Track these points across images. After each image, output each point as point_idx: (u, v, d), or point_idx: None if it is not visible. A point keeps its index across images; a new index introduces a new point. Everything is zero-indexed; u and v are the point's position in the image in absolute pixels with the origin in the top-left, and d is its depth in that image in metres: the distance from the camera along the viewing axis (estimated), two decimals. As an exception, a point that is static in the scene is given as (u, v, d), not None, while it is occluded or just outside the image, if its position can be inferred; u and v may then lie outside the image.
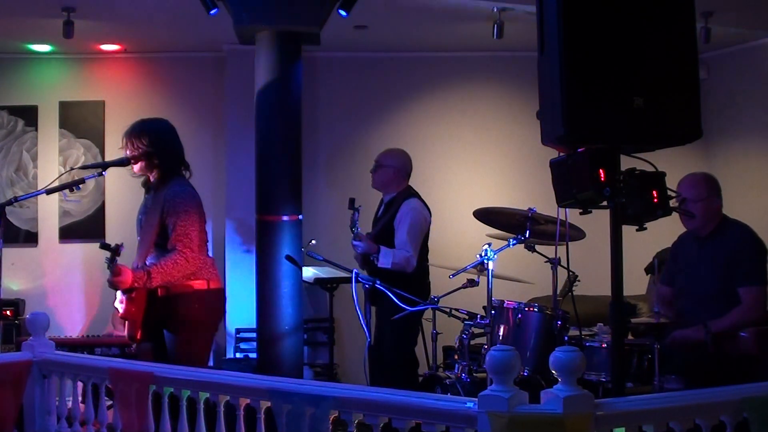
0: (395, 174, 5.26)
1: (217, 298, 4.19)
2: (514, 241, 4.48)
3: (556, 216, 3.91)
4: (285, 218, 5.16)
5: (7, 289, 6.22)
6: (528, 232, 4.45)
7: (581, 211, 3.11)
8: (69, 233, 6.78)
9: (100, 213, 6.79)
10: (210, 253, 4.28)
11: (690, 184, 4.20)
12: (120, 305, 4.01)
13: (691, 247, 4.27)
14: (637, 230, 3.13)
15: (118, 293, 4.01)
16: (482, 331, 4.38)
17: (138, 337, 3.97)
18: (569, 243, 3.84)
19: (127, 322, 3.99)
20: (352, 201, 5.01)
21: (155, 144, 4.08)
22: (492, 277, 4.35)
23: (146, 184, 4.22)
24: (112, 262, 3.84)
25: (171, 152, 4.14)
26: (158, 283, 3.91)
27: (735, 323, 3.95)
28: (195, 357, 3.94)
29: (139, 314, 3.95)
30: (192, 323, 4.01)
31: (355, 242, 5.03)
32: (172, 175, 4.11)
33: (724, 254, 4.08)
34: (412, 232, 5.05)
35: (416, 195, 5.24)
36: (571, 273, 4.45)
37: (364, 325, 4.39)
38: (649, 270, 5.32)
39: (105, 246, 3.87)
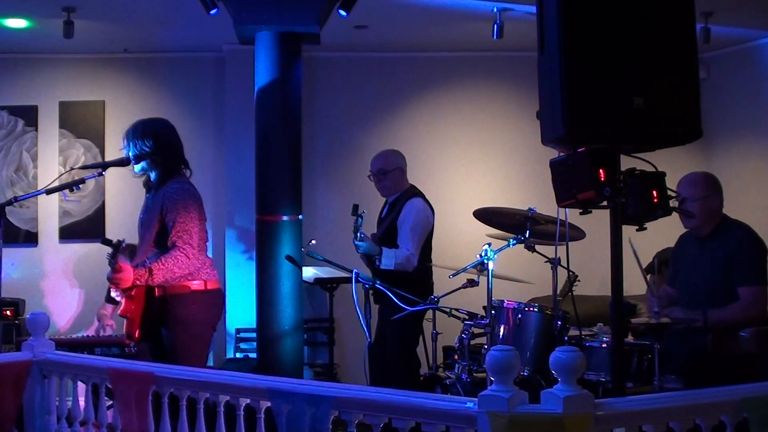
0: (401, 174, 5.28)
1: (215, 298, 4.18)
2: (514, 241, 4.48)
3: (556, 216, 3.91)
4: (285, 218, 5.16)
5: (8, 283, 6.19)
6: (528, 232, 4.45)
7: (581, 211, 3.11)
8: (69, 233, 6.77)
9: (100, 213, 6.79)
10: (209, 254, 4.28)
11: (689, 183, 4.19)
12: (114, 293, 4.01)
13: (692, 246, 4.27)
14: (637, 230, 3.13)
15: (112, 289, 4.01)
16: (482, 331, 4.38)
17: (136, 336, 3.97)
18: (569, 243, 3.84)
19: (125, 320, 3.99)
20: (355, 207, 4.91)
21: (156, 144, 4.08)
22: (492, 277, 4.35)
23: (147, 184, 4.22)
24: (113, 259, 3.84)
25: (171, 152, 4.14)
26: (160, 280, 3.91)
27: (733, 318, 3.95)
28: (194, 357, 3.94)
29: (138, 313, 3.95)
30: (190, 324, 4.00)
31: (357, 242, 5.00)
32: (172, 174, 4.11)
33: (724, 254, 4.07)
34: (414, 230, 5.06)
35: (420, 194, 5.25)
36: (571, 273, 4.45)
37: (364, 325, 4.39)
38: (649, 270, 5.32)
39: (106, 242, 3.87)
